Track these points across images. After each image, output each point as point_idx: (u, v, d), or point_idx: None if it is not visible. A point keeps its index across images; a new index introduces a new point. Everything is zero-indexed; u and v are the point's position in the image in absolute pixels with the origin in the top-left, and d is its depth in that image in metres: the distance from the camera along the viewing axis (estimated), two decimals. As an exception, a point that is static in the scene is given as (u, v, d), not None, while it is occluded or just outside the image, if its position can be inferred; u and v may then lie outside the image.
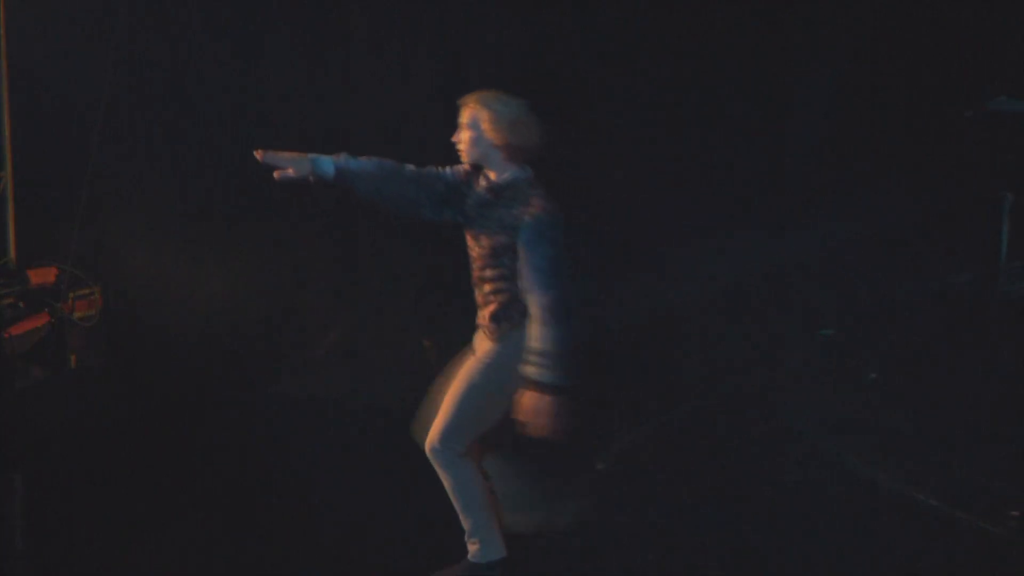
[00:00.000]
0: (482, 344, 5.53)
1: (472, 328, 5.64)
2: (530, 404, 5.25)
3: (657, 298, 9.45)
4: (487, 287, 5.46)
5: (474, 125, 5.38)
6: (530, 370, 5.26)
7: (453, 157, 5.52)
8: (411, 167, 5.53)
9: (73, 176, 7.54)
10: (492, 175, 5.44)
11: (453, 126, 5.49)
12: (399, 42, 8.54)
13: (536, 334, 5.26)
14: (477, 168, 5.50)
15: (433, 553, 5.74)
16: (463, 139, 5.41)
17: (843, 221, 11.09)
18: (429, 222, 5.60)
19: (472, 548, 5.66)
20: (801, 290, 9.53)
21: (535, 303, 5.27)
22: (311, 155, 5.47)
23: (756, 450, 6.90)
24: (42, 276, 7.32)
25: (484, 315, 5.50)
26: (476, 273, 5.50)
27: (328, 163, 5.47)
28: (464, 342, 5.73)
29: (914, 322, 8.74)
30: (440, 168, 5.57)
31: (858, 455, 6.75)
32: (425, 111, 8.10)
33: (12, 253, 7.27)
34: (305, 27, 8.20)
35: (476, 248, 5.47)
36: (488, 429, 5.54)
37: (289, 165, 5.45)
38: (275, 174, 5.46)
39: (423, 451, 5.61)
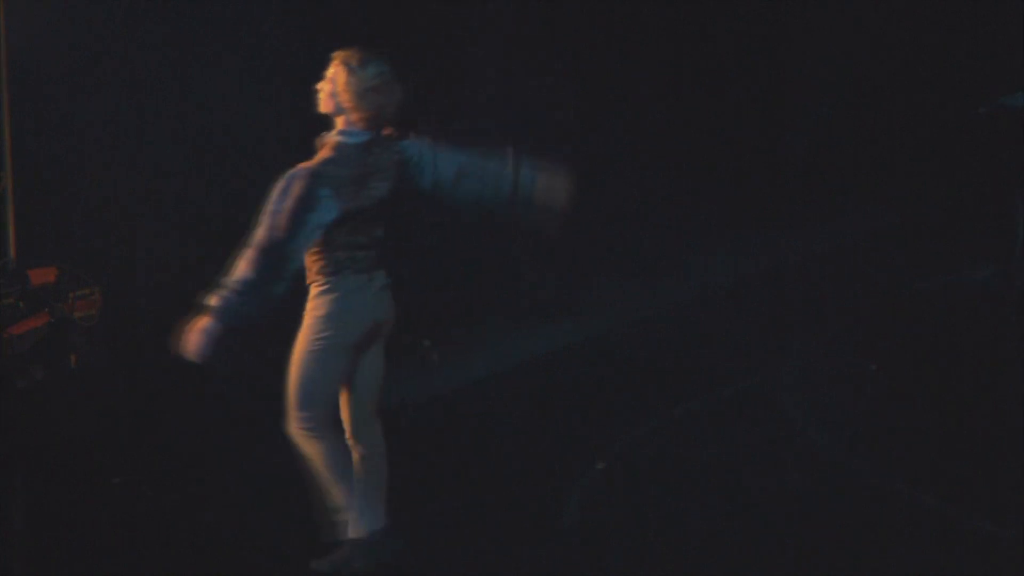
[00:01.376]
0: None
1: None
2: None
3: (658, 297, 9.45)
4: None
5: (333, 81, 5.38)
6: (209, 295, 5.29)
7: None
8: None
9: (73, 176, 7.54)
10: (336, 129, 5.41)
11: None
12: (402, 39, 8.54)
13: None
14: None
15: (432, 551, 5.74)
16: (323, 89, 5.41)
17: (855, 217, 11.10)
18: None
19: (348, 524, 5.53)
20: (803, 288, 9.54)
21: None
22: None
23: (756, 450, 6.89)
24: (42, 276, 7.32)
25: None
26: None
27: None
28: (464, 341, 5.74)
29: (927, 318, 8.73)
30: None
31: (860, 455, 6.75)
32: (427, 106, 8.11)
33: (12, 253, 7.27)
34: (305, 27, 8.20)
35: None
36: (334, 395, 5.51)
37: None
38: None
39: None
